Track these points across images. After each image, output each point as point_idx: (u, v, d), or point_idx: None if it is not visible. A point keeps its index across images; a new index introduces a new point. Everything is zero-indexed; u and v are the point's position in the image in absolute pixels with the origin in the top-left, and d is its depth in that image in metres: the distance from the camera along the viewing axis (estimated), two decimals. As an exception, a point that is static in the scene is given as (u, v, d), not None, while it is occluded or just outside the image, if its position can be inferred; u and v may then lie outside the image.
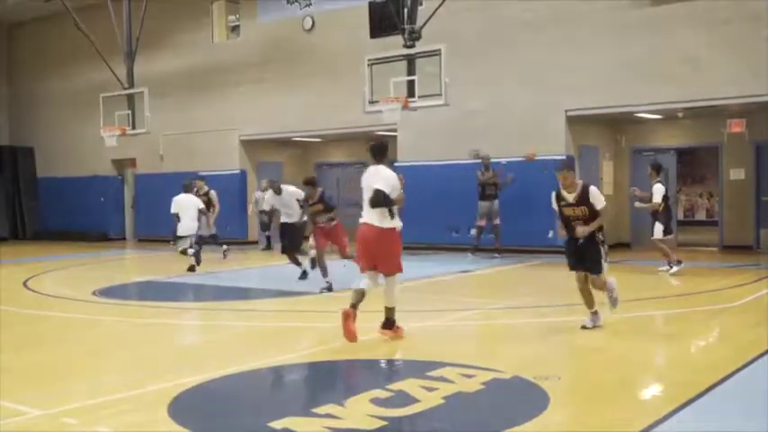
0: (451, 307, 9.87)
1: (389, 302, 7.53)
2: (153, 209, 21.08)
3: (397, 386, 5.58)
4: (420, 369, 6.04)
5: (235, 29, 21.47)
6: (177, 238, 14.60)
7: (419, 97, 15.08)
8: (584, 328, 7.70)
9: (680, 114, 16.53)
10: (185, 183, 15.25)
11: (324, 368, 6.76)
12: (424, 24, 15.20)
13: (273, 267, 15.35)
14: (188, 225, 14.21)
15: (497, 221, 15.66)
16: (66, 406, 5.50)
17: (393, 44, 15.49)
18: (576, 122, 15.87)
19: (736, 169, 16.38)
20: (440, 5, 15.24)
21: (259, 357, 6.94)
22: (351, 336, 7.08)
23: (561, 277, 8.23)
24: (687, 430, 4.71)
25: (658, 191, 12.49)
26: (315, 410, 5.03)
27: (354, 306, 7.25)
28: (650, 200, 12.65)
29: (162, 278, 13.79)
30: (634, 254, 16.31)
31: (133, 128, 20.34)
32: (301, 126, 19.70)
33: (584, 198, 7.53)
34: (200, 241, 14.83)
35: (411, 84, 15.20)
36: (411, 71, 15.34)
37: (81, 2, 22.13)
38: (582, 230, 7.45)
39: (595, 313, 7.79)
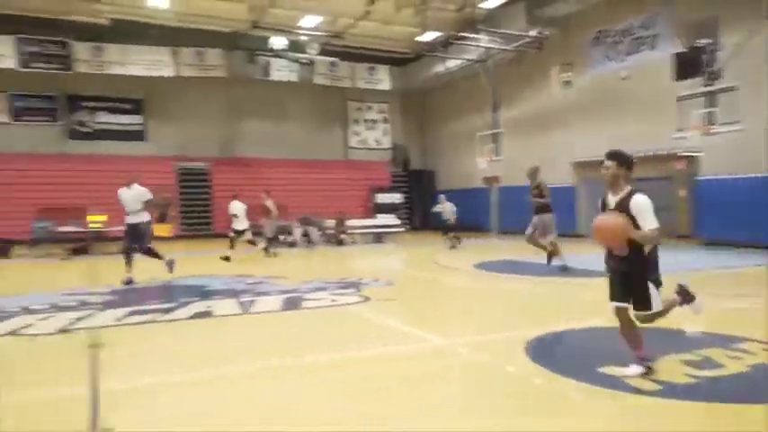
0: (751, 293, 8.39)
1: None
2: (511, 211, 21.40)
3: (703, 353, 4.88)
4: (724, 341, 5.21)
5: (567, 83, 20.73)
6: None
7: (719, 124, 13.46)
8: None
9: None
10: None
11: (643, 332, 6.15)
12: (724, 66, 13.35)
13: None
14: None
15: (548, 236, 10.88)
16: (460, 339, 5.74)
17: (691, 84, 13.86)
18: None
19: None
20: (739, 49, 13.24)
21: (590, 318, 6.56)
22: None
23: None
24: None
25: None
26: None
27: None
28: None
29: (515, 257, 13.76)
30: None
31: (497, 156, 20.92)
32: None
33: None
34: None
35: (710, 114, 13.66)
36: (712, 104, 13.74)
37: (466, 73, 23.18)
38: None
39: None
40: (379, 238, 20.42)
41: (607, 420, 3.69)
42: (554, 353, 5.26)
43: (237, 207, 14.35)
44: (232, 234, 14.28)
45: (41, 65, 19.86)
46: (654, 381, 4.16)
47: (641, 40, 16.76)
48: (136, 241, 9.80)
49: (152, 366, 4.98)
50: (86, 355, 5.52)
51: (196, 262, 13.44)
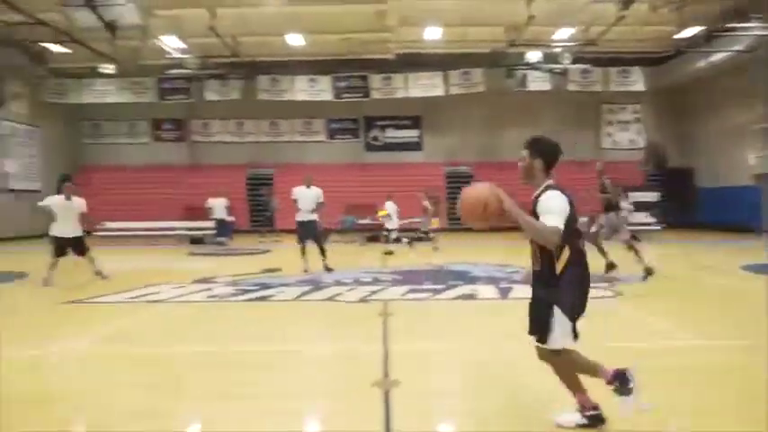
0: None
1: None
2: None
3: None
4: None
5: None
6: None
7: None
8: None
9: None
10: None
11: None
12: None
13: None
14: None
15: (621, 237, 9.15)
16: (716, 341, 5.01)
17: None
18: None
19: None
20: None
21: None
22: None
23: None
24: None
25: None
26: None
27: None
28: None
29: None
30: None
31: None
32: None
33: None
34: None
35: None
36: None
37: (730, 66, 19.63)
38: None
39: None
40: (633, 235, 18.58)
41: None
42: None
43: (391, 207, 14.11)
44: (387, 233, 14.02)
45: (348, 95, 22.88)
46: None
47: None
48: (310, 236, 9.76)
49: (425, 335, 5.45)
50: (379, 320, 6.31)
51: (460, 250, 14.04)
